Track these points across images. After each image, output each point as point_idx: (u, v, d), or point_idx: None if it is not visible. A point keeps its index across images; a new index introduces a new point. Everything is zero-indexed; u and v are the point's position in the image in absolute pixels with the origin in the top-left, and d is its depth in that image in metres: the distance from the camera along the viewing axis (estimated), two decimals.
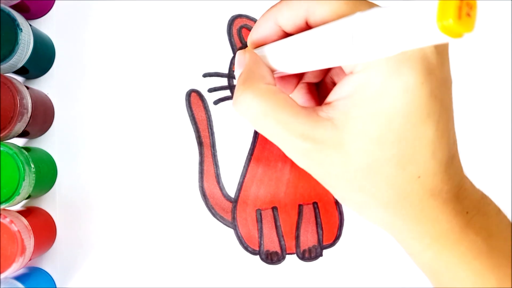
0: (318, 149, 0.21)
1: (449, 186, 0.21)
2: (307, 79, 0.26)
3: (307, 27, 0.22)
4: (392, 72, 0.19)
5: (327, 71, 0.26)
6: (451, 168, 0.21)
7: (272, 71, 0.23)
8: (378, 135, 0.20)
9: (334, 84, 0.26)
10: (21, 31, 0.37)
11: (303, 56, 0.21)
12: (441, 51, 0.20)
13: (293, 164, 0.42)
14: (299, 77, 0.26)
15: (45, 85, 0.42)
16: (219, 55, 0.43)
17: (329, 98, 0.21)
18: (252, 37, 0.25)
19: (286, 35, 0.23)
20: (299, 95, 0.27)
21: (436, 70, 0.20)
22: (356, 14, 0.18)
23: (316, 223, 0.42)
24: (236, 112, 0.23)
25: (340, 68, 0.24)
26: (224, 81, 0.42)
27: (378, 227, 0.22)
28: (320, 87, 0.27)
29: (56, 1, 0.43)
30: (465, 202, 0.21)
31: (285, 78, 0.26)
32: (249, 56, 0.24)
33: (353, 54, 0.18)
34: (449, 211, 0.21)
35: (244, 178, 0.42)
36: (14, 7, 0.39)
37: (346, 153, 0.20)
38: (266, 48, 0.24)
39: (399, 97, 0.19)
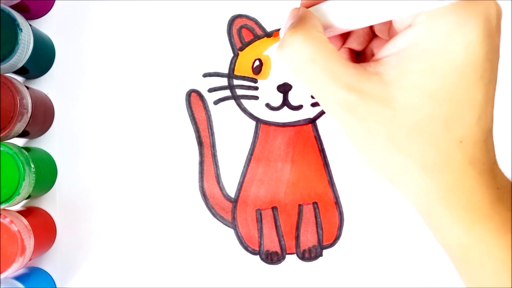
0: (363, 102, 0.20)
1: (486, 158, 0.20)
2: (350, 44, 0.26)
3: None
4: (456, 26, 0.19)
5: (369, 40, 0.25)
6: (489, 140, 0.21)
7: (324, 29, 0.23)
8: (431, 90, 0.19)
9: (373, 55, 0.25)
10: (21, 31, 0.37)
11: (374, 6, 0.20)
12: (499, 18, 0.20)
13: (293, 164, 0.42)
14: (343, 41, 0.26)
15: (45, 85, 0.42)
16: (219, 55, 0.43)
17: (379, 55, 0.21)
18: None
19: None
20: None
21: (495, 34, 0.19)
22: None
23: (316, 223, 0.42)
24: (280, 56, 0.22)
25: (381, 38, 0.24)
26: (224, 81, 0.42)
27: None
28: (358, 57, 0.27)
29: (56, 1, 0.43)
30: (497, 178, 0.21)
31: (330, 39, 0.25)
32: (302, 10, 0.23)
33: None
34: (483, 183, 0.20)
35: (244, 178, 0.42)
36: (14, 7, 0.39)
37: (393, 109, 0.20)
38: (323, 5, 0.23)
39: (459, 53, 0.19)
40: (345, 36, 0.26)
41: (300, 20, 0.22)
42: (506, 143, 0.42)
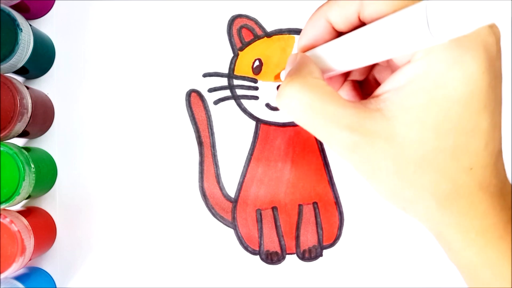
0: (367, 141, 0.20)
1: (497, 181, 0.21)
2: (353, 76, 0.26)
3: (360, 23, 0.22)
4: (454, 60, 0.19)
5: (371, 68, 0.26)
6: (499, 162, 0.21)
7: (323, 72, 0.23)
8: (435, 124, 0.19)
9: (376, 81, 0.26)
10: (21, 31, 0.37)
11: (371, 48, 0.21)
12: (498, 43, 0.20)
13: (293, 164, 0.42)
14: (345, 75, 0.26)
15: (45, 85, 0.42)
16: (219, 55, 0.43)
17: (379, 91, 0.21)
18: (302, 40, 0.24)
19: (336, 35, 0.23)
20: (344, 92, 0.26)
21: (495, 61, 0.20)
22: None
23: (316, 223, 0.42)
24: (279, 105, 0.22)
25: (382, 65, 0.24)
26: (224, 81, 0.42)
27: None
28: (362, 86, 0.27)
29: (56, 1, 0.43)
30: (507, 198, 0.21)
31: (332, 77, 0.26)
32: (300, 56, 0.24)
33: (431, 36, 0.18)
34: (495, 206, 0.21)
35: (244, 178, 0.42)
36: (14, 7, 0.39)
37: (398, 145, 0.20)
38: (320, 48, 0.23)
39: (460, 86, 0.19)
40: (346, 72, 0.26)
41: (297, 68, 0.22)
42: (506, 143, 0.42)
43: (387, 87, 0.21)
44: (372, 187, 0.22)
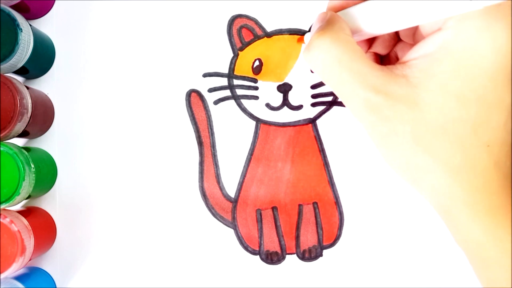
0: (390, 104, 0.20)
1: (511, 161, 0.21)
2: (376, 49, 0.26)
3: None
4: (485, 29, 0.19)
5: (394, 45, 0.26)
6: None
7: (352, 34, 0.23)
8: (459, 93, 0.19)
9: (397, 58, 0.26)
10: (21, 31, 0.37)
11: (407, 11, 0.20)
12: None
13: (293, 164, 0.42)
14: (368, 46, 0.26)
15: (45, 85, 0.42)
16: (219, 55, 0.43)
17: (406, 57, 0.21)
18: (332, 1, 0.24)
19: None
20: None
21: None
22: None
23: (316, 223, 0.42)
24: (307, 58, 0.22)
25: (406, 42, 0.24)
26: (224, 81, 0.42)
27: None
28: (383, 61, 0.27)
29: (56, 1, 0.43)
30: None
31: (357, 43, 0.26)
32: (330, 13, 0.23)
33: (468, 1, 0.18)
34: (507, 185, 0.21)
35: (244, 178, 0.42)
36: (14, 7, 0.39)
37: (420, 111, 0.20)
38: (353, 9, 0.23)
39: (488, 55, 0.19)
40: (370, 41, 0.26)
41: (328, 23, 0.22)
42: None
43: (415, 54, 0.21)
44: (382, 154, 0.22)
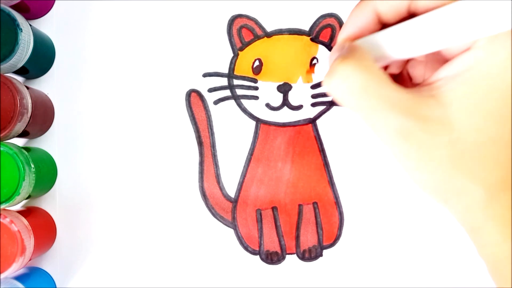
0: (422, 127, 0.20)
1: None
2: (390, 70, 0.26)
3: (407, 14, 0.22)
4: None
5: (406, 62, 0.25)
6: None
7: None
8: (494, 111, 0.19)
9: (409, 76, 0.25)
10: (21, 31, 0.37)
11: (438, 34, 0.20)
12: None
13: (293, 164, 0.42)
14: (384, 68, 0.26)
15: (45, 85, 0.42)
16: (219, 55, 0.43)
17: (432, 79, 0.21)
18: (346, 30, 0.24)
19: (380, 27, 0.23)
20: None
21: None
22: None
23: (316, 223, 0.42)
24: (328, 86, 0.21)
25: (416, 60, 0.24)
26: (224, 81, 0.42)
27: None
28: (396, 80, 0.26)
29: (56, 1, 0.43)
30: None
31: None
32: (348, 43, 0.23)
33: (504, 20, 0.18)
34: None
35: (244, 178, 0.42)
36: (14, 7, 0.39)
37: (456, 132, 0.20)
38: (377, 35, 0.23)
39: None
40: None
41: (348, 52, 0.22)
42: None
43: (442, 75, 0.20)
44: (415, 179, 0.21)
